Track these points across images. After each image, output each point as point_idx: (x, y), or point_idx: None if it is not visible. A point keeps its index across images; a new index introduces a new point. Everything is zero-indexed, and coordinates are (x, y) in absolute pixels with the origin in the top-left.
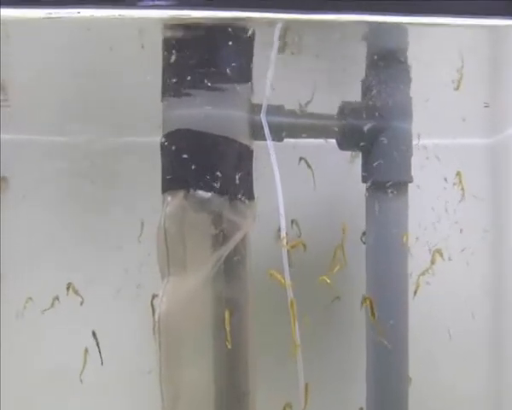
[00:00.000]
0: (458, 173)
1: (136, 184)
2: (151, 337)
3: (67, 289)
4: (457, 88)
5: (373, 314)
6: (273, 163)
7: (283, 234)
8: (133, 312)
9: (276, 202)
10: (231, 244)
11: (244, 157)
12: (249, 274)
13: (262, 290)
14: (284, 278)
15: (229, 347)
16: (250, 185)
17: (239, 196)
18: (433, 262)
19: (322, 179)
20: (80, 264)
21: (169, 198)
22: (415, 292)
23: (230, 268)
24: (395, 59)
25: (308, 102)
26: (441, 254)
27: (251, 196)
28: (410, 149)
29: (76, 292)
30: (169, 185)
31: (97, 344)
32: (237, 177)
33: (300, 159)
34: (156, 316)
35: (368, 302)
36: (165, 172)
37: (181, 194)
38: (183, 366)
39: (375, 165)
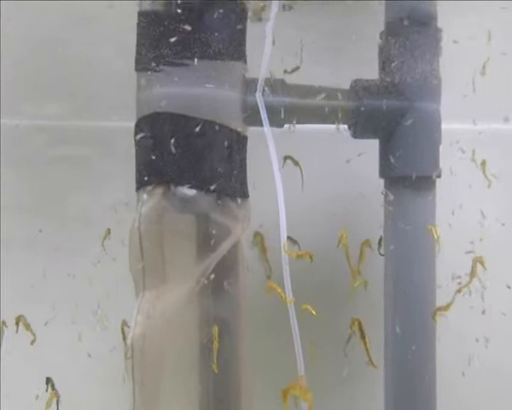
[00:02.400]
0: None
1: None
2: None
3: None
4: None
5: (363, 340)
6: (271, 154)
7: (284, 240)
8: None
9: (274, 203)
10: (221, 252)
11: (236, 146)
12: (242, 289)
13: (259, 309)
14: (285, 294)
15: (216, 371)
16: (243, 181)
17: (230, 193)
18: (473, 275)
19: (331, 175)
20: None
21: (144, 196)
22: (444, 308)
23: (220, 281)
24: (423, 22)
25: (296, 69)
26: (483, 264)
27: (244, 194)
28: (438, 136)
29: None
30: (144, 181)
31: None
32: (227, 170)
33: (285, 158)
34: (128, 341)
35: (356, 325)
36: (139, 164)
37: (159, 191)
38: (162, 403)
39: (396, 156)
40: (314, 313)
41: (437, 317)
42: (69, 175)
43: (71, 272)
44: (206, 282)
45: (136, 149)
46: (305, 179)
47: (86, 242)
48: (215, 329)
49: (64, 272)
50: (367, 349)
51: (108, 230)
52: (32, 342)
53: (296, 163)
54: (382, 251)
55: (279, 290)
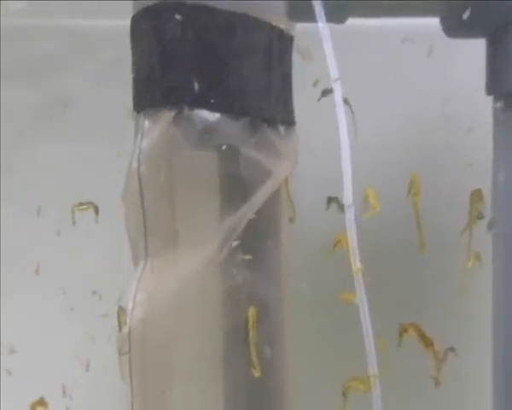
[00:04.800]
0: None
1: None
2: None
3: None
4: None
5: (427, 345)
6: (330, 65)
7: (348, 199)
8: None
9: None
10: (255, 203)
11: (278, 50)
12: (285, 256)
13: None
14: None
15: (257, 375)
16: (287, 101)
17: (268, 118)
18: None
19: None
20: None
21: (146, 124)
22: None
23: (253, 246)
24: None
25: None
26: None
27: (289, 120)
28: None
29: None
30: (146, 102)
31: None
32: (265, 85)
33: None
34: (125, 329)
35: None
36: (138, 77)
37: (168, 115)
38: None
39: None
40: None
41: None
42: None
43: None
44: (233, 246)
45: (134, 56)
46: (371, 97)
47: None
48: (251, 312)
49: None
50: (435, 360)
51: None
52: None
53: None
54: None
55: (346, 246)
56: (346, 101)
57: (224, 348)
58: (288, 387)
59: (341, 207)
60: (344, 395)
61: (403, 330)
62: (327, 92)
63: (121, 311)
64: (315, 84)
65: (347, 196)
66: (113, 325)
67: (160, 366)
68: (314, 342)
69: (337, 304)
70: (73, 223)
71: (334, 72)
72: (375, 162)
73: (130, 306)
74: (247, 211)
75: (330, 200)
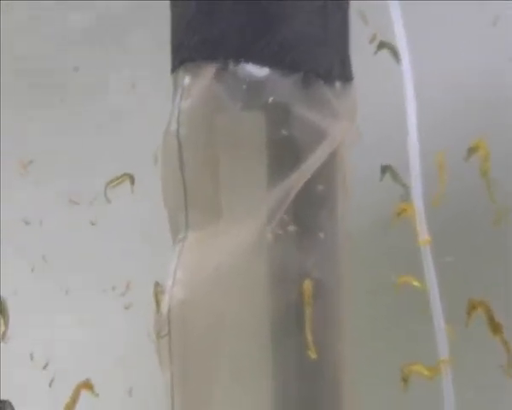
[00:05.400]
0: None
1: None
2: None
3: None
4: None
5: (496, 331)
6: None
7: (415, 165)
8: None
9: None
10: (309, 169)
11: None
12: (343, 228)
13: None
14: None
15: (314, 356)
16: (344, 54)
17: (324, 74)
18: None
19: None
20: None
21: (186, 80)
22: None
23: (307, 217)
24: None
25: None
26: None
27: (346, 75)
28: None
29: None
30: (187, 54)
31: None
32: (320, 37)
33: None
34: (165, 309)
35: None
36: (177, 28)
37: (211, 70)
38: (216, 401)
39: None
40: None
41: None
42: None
43: None
44: (285, 218)
45: (173, 6)
46: (436, 56)
47: None
48: (306, 286)
49: None
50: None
51: None
52: None
53: None
54: None
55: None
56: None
57: (273, 330)
58: (344, 372)
59: (396, 177)
60: (404, 380)
61: (471, 308)
62: (383, 46)
63: (159, 290)
64: (371, 42)
65: (414, 163)
66: None
67: (203, 350)
68: (371, 326)
69: (395, 285)
70: (108, 201)
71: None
72: (439, 126)
73: (169, 283)
74: (299, 178)
75: (385, 168)
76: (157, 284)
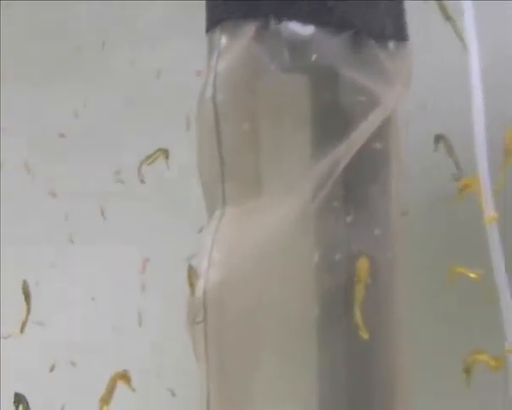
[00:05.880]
0: None
1: None
2: None
3: None
4: None
5: None
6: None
7: (481, 137)
8: None
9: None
10: (359, 138)
11: None
12: (397, 204)
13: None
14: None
15: (365, 337)
16: (400, 12)
17: (375, 33)
18: None
19: None
20: None
21: (223, 40)
22: None
23: (357, 192)
24: None
25: None
26: None
27: (401, 36)
28: None
29: None
30: (223, 12)
31: None
32: None
33: None
34: (199, 292)
35: None
36: None
37: (250, 29)
38: (256, 392)
39: None
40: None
41: None
42: None
43: None
44: (332, 193)
45: None
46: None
47: None
48: (361, 265)
49: None
50: None
51: None
52: None
53: None
54: None
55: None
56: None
57: (319, 313)
58: (397, 359)
59: (450, 148)
60: (467, 371)
61: None
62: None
63: (192, 271)
64: None
65: (479, 131)
66: None
67: (243, 337)
68: (427, 312)
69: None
70: (141, 181)
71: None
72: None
73: (204, 265)
74: (347, 149)
75: (438, 138)
76: (190, 267)
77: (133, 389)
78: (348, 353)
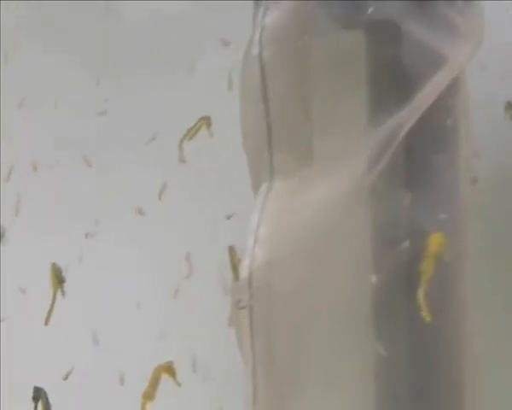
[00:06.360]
0: None
1: None
2: None
3: None
4: None
5: None
6: None
7: None
8: None
9: None
10: (421, 103)
11: None
12: (465, 180)
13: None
14: None
15: (428, 319)
16: None
17: None
18: None
19: None
20: None
21: None
22: None
23: (418, 164)
24: None
25: None
26: None
27: None
28: None
29: None
30: None
31: None
32: None
33: None
34: (244, 274)
35: None
36: None
37: None
38: (309, 383)
39: None
40: None
41: None
42: None
43: None
44: (392, 163)
45: None
46: None
47: None
48: (433, 240)
49: None
50: None
51: None
52: None
53: None
54: None
55: None
56: None
57: (375, 296)
58: (465, 346)
59: None
60: None
61: None
62: None
63: (233, 252)
64: None
65: None
66: None
67: (292, 322)
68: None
69: None
70: (181, 160)
71: None
72: None
73: (250, 242)
74: (410, 114)
75: (510, 105)
76: (231, 247)
77: (178, 384)
78: (411, 338)
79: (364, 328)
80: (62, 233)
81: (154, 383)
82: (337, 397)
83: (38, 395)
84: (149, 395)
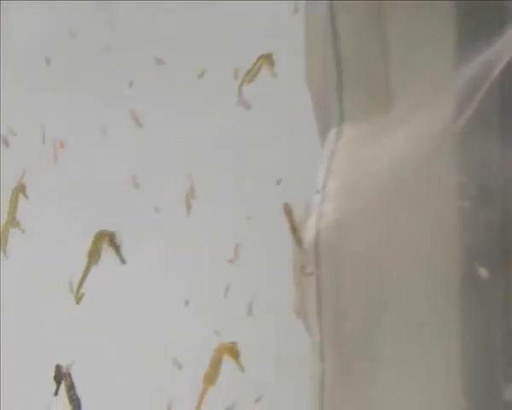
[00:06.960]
0: None
1: None
2: None
3: None
4: None
5: None
6: None
7: None
8: None
9: None
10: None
11: None
12: None
13: None
14: None
15: None
16: None
17: None
18: None
19: None
20: None
21: None
22: None
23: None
24: None
25: None
26: None
27: None
28: None
29: None
30: None
31: None
32: None
33: None
34: (310, 235)
35: None
36: None
37: None
38: (384, 357)
39: None
40: None
41: None
42: None
43: None
44: (483, 106)
45: None
46: None
47: None
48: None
49: None
50: None
51: None
52: None
53: None
54: None
55: None
56: None
57: (462, 259)
58: None
59: None
60: None
61: None
62: None
63: (290, 211)
64: None
65: None
66: None
67: (366, 288)
68: None
69: None
70: (239, 99)
71: None
72: None
73: (317, 199)
74: (505, 48)
75: None
76: (286, 205)
77: (242, 368)
78: (505, 305)
79: (449, 295)
80: None
81: (216, 364)
82: (421, 379)
83: (61, 375)
84: (211, 378)
